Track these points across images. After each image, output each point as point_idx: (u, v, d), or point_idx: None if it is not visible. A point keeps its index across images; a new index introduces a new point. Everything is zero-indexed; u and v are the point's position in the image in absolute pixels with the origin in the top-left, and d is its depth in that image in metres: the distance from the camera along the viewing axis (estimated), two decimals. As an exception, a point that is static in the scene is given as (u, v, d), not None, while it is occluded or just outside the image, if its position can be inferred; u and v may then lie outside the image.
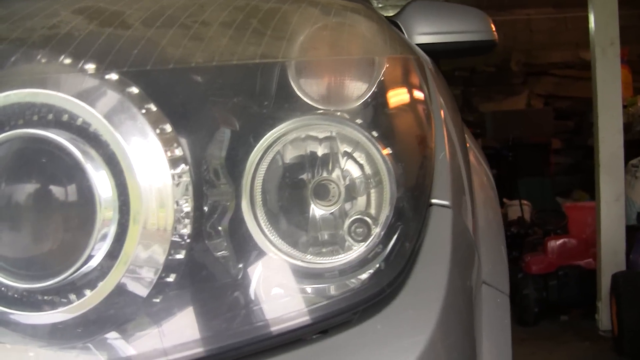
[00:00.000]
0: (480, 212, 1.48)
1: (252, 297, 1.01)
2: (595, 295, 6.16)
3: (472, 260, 1.25)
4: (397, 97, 1.15)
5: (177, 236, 1.00)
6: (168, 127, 1.02)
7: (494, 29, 2.37)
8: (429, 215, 1.12)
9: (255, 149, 1.04)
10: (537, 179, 9.21)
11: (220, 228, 1.02)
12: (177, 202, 1.00)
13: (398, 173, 1.06)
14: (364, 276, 1.03)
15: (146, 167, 0.99)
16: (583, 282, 6.35)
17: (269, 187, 1.05)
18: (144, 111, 1.02)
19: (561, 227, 7.00)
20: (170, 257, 1.00)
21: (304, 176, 1.06)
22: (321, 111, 1.07)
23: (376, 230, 1.05)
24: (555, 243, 6.62)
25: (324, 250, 1.05)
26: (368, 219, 1.06)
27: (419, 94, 1.20)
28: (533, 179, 9.04)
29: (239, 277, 1.01)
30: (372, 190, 1.07)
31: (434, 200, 1.13)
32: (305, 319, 1.02)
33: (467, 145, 1.60)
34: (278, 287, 1.02)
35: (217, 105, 1.05)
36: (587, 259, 6.48)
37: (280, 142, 1.05)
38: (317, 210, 1.06)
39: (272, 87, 1.07)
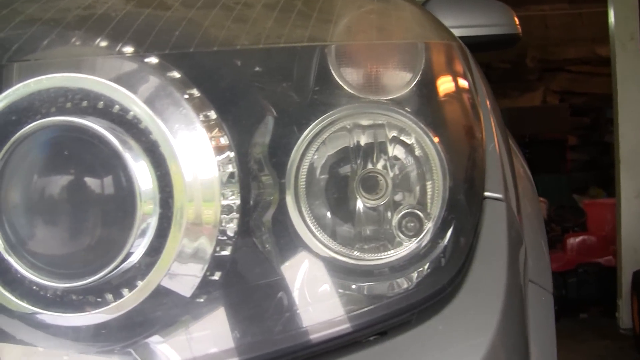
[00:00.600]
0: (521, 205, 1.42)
1: (302, 297, 0.95)
2: (615, 293, 6.09)
3: (523, 257, 1.18)
4: (444, 84, 1.09)
5: (223, 231, 0.94)
6: (212, 114, 0.96)
7: (517, 22, 2.31)
8: (484, 208, 1.05)
9: (301, 139, 0.97)
10: (554, 175, 9.14)
11: (264, 224, 0.96)
12: (223, 195, 0.94)
13: (450, 164, 1.00)
14: (421, 274, 0.97)
15: (190, 157, 0.93)
16: (603, 280, 6.29)
17: (314, 179, 0.99)
18: (187, 96, 0.95)
19: (580, 224, 6.94)
20: (216, 254, 0.94)
21: (351, 168, 1.00)
22: (368, 100, 1.00)
23: (429, 225, 0.98)
24: (574, 240, 6.56)
25: (371, 246, 0.99)
26: (420, 213, 0.99)
27: (465, 82, 1.13)
28: (549, 175, 8.97)
29: (286, 275, 0.95)
30: (423, 182, 1.00)
31: (487, 193, 1.07)
32: (361, 320, 0.95)
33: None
34: (328, 286, 0.96)
35: (262, 91, 0.99)
36: (607, 257, 6.42)
37: (326, 132, 0.99)
38: (364, 204, 1.00)
39: (319, 73, 1.00)
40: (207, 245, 0.93)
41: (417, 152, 1.00)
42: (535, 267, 1.39)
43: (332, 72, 1.01)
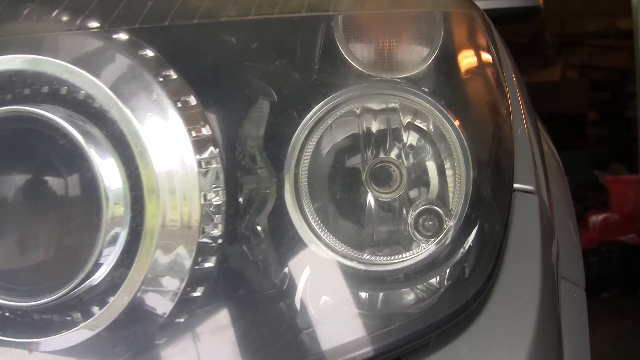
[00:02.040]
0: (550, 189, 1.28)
1: (302, 315, 0.81)
2: (639, 271, 5.96)
3: (556, 253, 1.03)
4: (466, 59, 0.94)
5: (205, 237, 0.80)
6: (192, 100, 0.82)
7: (538, -7, 2.17)
8: (513, 203, 0.90)
9: (301, 126, 0.84)
10: (573, 152, 8.95)
11: (258, 226, 0.83)
12: (204, 195, 0.80)
13: (474, 151, 0.85)
14: (441, 284, 0.83)
15: (164, 151, 0.79)
16: (626, 259, 6.15)
17: (317, 172, 0.85)
18: (160, 79, 0.82)
19: (602, 202, 6.78)
20: (197, 266, 0.80)
21: (360, 158, 0.86)
22: (379, 79, 0.86)
23: (450, 224, 0.84)
24: (596, 218, 6.41)
25: (384, 248, 0.85)
26: (439, 210, 0.85)
27: (489, 56, 0.98)
28: (569, 152, 8.78)
29: (284, 288, 0.82)
30: (443, 174, 0.86)
31: (517, 185, 0.92)
32: (373, 346, 0.81)
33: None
34: (332, 301, 0.82)
35: (254, 71, 0.85)
36: (630, 235, 6.27)
37: (331, 116, 0.85)
38: (376, 198, 0.86)
39: (320, 48, 0.86)
40: (186, 256, 0.79)
41: (436, 138, 0.86)
42: (566, 260, 1.24)
43: (338, 46, 0.87)
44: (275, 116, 0.84)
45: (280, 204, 0.83)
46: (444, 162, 0.86)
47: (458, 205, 0.84)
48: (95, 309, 0.79)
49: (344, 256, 0.84)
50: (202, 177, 0.80)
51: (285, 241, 0.83)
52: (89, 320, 0.79)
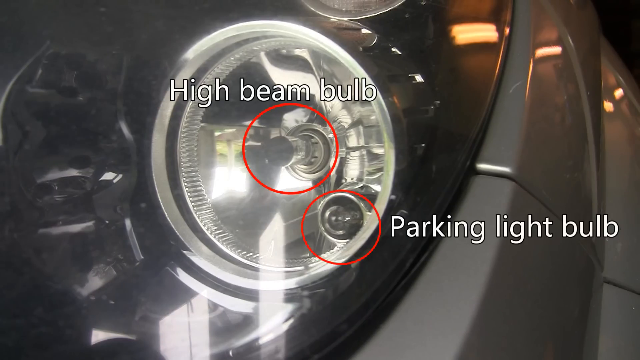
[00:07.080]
0: (624, 179, 1.01)
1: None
2: None
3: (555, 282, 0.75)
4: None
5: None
6: None
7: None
8: (467, 191, 0.63)
9: (176, 80, 0.62)
10: None
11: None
12: None
13: (414, 116, 0.60)
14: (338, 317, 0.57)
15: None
16: None
17: (201, 141, 0.65)
18: None
19: None
20: None
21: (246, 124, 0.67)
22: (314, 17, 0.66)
23: (369, 220, 0.58)
24: None
25: (282, 253, 0.63)
26: (355, 199, 0.61)
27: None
28: None
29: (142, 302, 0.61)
30: (362, 151, 0.62)
31: (482, 166, 0.64)
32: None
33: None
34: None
35: None
36: None
37: (222, 64, 0.63)
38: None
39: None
40: None
41: (355, 102, 0.63)
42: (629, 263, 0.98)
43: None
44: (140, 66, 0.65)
45: (142, 187, 0.64)
46: (362, 135, 0.62)
47: (384, 196, 0.58)
48: None
49: (223, 256, 0.64)
50: None
51: (145, 236, 0.64)
52: None
